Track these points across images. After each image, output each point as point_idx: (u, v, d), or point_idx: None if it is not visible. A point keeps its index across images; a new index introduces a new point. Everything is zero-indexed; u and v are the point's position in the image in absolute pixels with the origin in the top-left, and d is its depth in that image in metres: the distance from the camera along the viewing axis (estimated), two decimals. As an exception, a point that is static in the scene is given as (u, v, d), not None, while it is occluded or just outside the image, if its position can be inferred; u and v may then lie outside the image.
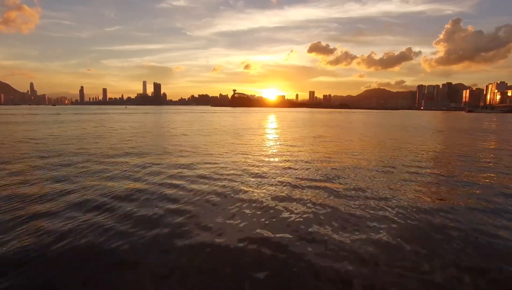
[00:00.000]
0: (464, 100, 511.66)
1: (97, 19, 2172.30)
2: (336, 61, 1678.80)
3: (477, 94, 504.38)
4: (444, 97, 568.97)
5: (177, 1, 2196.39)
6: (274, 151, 19.04)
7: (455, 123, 60.93)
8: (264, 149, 19.60)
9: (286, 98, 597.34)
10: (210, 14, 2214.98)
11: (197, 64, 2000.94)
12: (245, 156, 16.70)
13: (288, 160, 15.41)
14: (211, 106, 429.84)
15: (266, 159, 15.95)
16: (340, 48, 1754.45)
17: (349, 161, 15.41)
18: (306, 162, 15.01)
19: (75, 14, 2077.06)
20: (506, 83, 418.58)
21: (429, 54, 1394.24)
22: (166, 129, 35.53)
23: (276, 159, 15.90)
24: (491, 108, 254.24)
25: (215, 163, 14.37)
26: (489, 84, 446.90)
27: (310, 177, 11.77)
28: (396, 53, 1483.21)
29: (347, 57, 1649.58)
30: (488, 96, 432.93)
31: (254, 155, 16.93)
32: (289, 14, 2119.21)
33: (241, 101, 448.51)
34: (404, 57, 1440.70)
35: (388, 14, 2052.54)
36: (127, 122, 48.54)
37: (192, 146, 20.48)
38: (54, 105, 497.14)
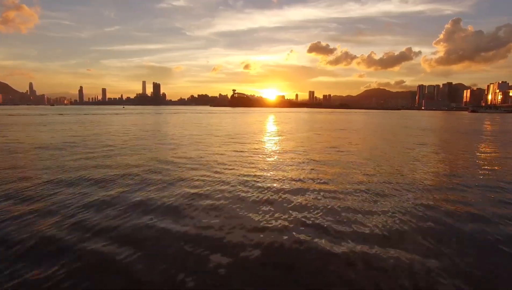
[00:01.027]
0: (464, 100, 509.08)
1: (97, 19, 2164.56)
2: (336, 61, 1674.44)
3: (478, 94, 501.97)
4: (444, 97, 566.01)
5: (177, 1, 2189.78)
6: (283, 171, 15.21)
7: (472, 125, 57.06)
8: (271, 170, 15.77)
9: (285, 98, 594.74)
10: (209, 14, 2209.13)
11: (196, 64, 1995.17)
12: (243, 181, 12.88)
13: (302, 184, 11.61)
14: (210, 106, 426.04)
15: (274, 186, 12.13)
16: (340, 48, 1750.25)
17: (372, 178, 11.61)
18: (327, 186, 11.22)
19: (75, 14, 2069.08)
20: (508, 83, 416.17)
21: (429, 54, 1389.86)
22: (153, 135, 31.67)
23: (288, 187, 12.06)
24: (495, 108, 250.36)
25: (200, 197, 10.55)
26: (491, 84, 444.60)
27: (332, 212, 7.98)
28: (396, 53, 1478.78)
29: (347, 57, 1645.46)
30: (490, 96, 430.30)
31: (258, 180, 13.11)
32: (289, 14, 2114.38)
33: (240, 101, 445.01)
34: (404, 57, 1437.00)
35: (388, 14, 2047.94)
36: (115, 125, 44.67)
37: (175, 162, 16.66)
38: (52, 105, 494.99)
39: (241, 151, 19.40)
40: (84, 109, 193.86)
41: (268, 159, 17.05)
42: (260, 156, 17.94)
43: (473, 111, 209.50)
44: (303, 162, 15.89)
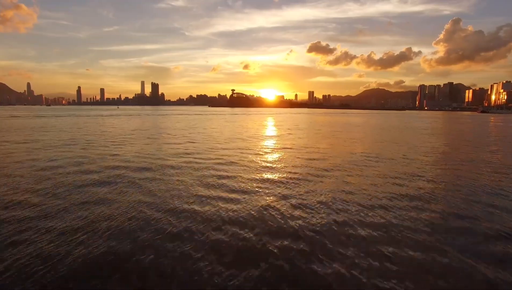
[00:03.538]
0: (467, 100, 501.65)
1: (95, 19, 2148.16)
2: (336, 61, 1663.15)
3: (480, 94, 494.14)
4: (445, 97, 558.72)
5: (175, 1, 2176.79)
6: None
7: None
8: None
9: (285, 98, 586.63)
10: (208, 14, 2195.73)
11: (195, 64, 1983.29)
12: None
13: None
14: (209, 106, 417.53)
15: None
16: (340, 48, 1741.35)
17: None
18: None
19: (73, 14, 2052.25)
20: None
21: (429, 54, 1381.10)
22: (114, 156, 22.61)
23: None
24: (506, 108, 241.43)
25: None
26: (494, 83, 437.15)
27: None
28: (396, 53, 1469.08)
29: (347, 57, 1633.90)
30: (493, 96, 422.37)
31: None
32: (288, 14, 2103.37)
33: (239, 101, 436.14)
34: (404, 57, 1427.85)
35: (387, 14, 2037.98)
36: (88, 133, 35.62)
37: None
38: (49, 105, 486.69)
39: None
40: (77, 109, 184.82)
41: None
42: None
43: (483, 112, 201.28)
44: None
